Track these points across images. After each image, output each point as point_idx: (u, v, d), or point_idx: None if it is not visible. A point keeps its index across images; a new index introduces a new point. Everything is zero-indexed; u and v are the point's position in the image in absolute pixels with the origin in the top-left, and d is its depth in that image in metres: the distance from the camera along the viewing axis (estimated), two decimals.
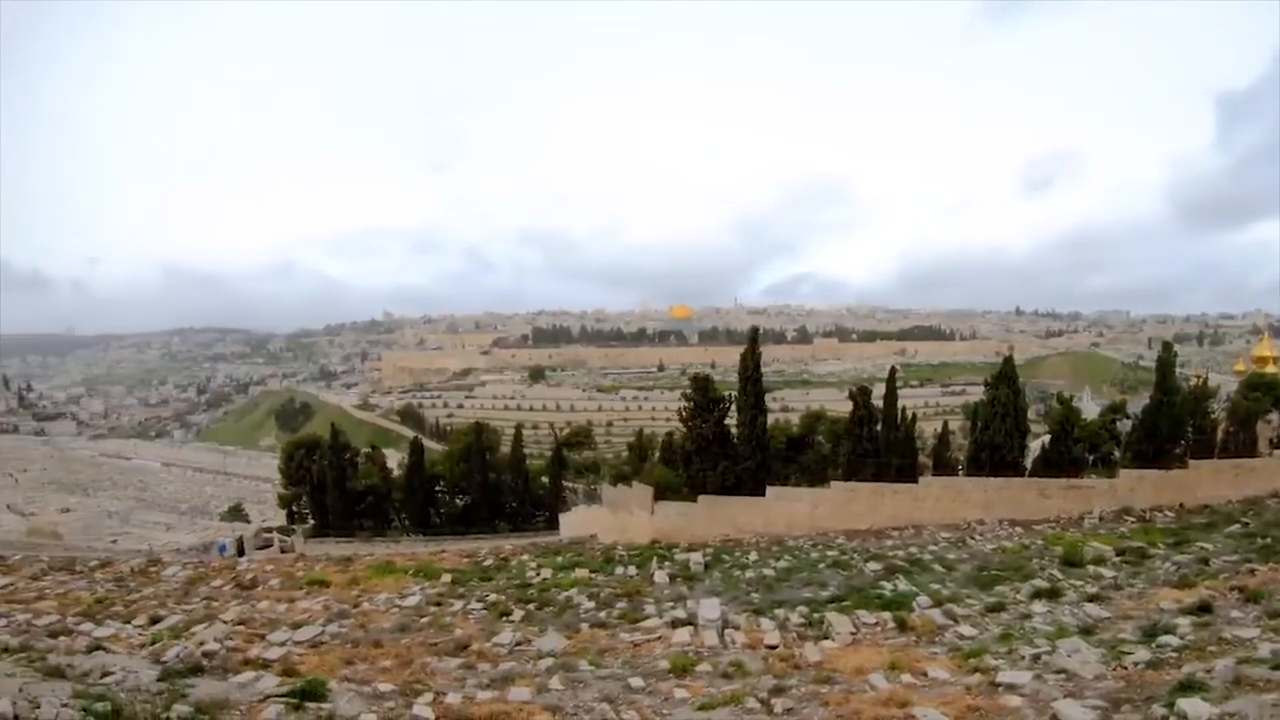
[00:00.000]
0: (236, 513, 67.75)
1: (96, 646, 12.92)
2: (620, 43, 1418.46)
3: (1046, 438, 38.58)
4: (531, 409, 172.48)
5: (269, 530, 51.39)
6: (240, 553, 40.56)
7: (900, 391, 41.16)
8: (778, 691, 10.47)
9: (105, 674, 10.50)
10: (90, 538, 48.40)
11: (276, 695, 9.79)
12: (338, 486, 49.58)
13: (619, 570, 23.31)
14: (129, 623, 16.27)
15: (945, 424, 48.22)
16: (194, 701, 9.14)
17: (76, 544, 41.04)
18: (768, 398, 37.97)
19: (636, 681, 11.51)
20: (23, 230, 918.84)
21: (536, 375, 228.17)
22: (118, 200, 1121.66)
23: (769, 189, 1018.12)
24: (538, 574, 23.14)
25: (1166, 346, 37.16)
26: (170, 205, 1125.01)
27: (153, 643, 13.98)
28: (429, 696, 10.51)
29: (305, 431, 76.06)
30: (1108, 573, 18.27)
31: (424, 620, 17.08)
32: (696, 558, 23.70)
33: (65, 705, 7.81)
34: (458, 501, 51.35)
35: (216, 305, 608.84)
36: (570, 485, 54.56)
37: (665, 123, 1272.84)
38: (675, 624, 15.59)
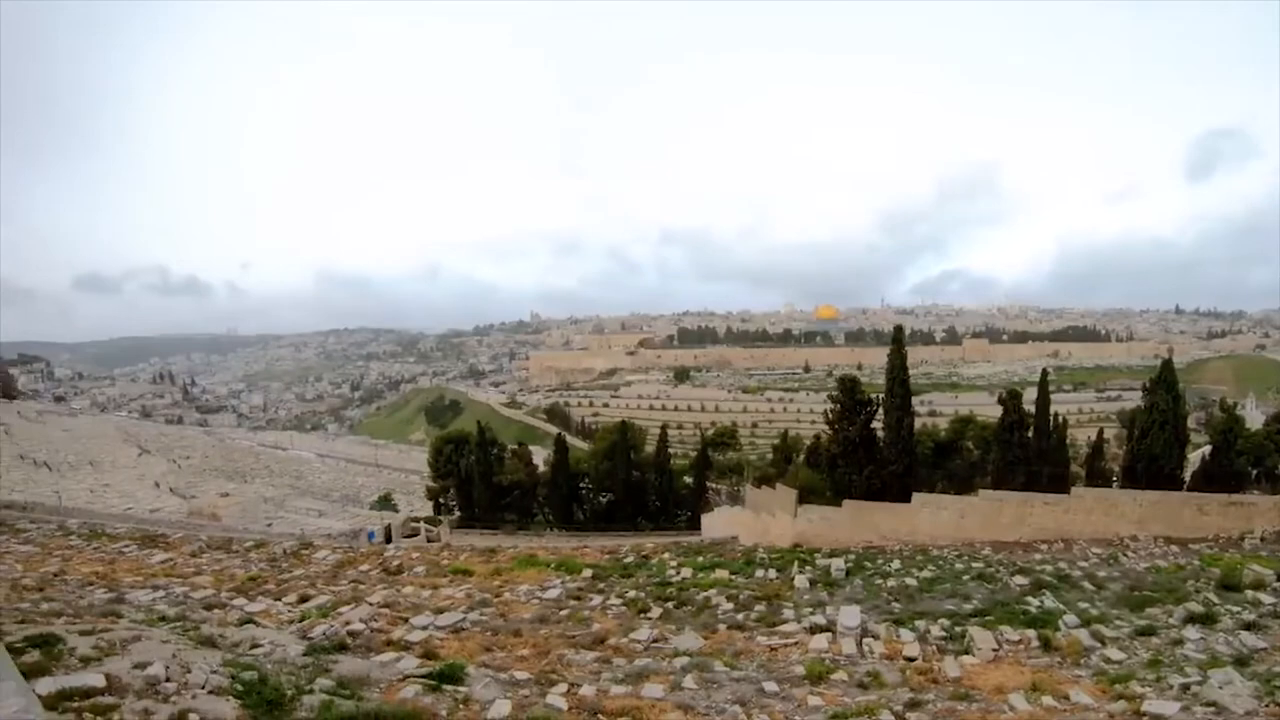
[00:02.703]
0: (386, 502, 70.40)
1: (247, 620, 13.76)
2: (761, 42, 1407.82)
3: (1207, 449, 36.43)
4: (676, 409, 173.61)
5: (416, 520, 53.51)
6: (388, 540, 42.38)
7: (1052, 396, 39.73)
8: (913, 706, 10.40)
9: (254, 646, 11.20)
10: (247, 521, 51.10)
11: (416, 676, 10.20)
12: (484, 480, 51.34)
13: (759, 573, 23.16)
14: (279, 600, 17.19)
15: (1100, 431, 46.09)
16: (336, 676, 9.64)
17: (233, 526, 43.48)
18: (915, 400, 37.19)
19: (771, 686, 11.51)
20: (179, 238, 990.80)
21: (681, 376, 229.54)
22: (268, 207, 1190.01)
23: (916, 182, 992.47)
24: (678, 573, 23.24)
25: None
26: (318, 211, 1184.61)
27: (301, 620, 14.76)
28: (563, 687, 10.73)
29: (454, 427, 78.46)
30: (1267, 599, 17.14)
31: (563, 613, 17.38)
32: (838, 563, 23.42)
33: (215, 672, 8.35)
34: (601, 499, 52.25)
35: (368, 306, 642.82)
36: (714, 486, 54.76)
37: (808, 120, 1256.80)
38: (813, 630, 15.48)
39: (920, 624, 15.84)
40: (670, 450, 55.95)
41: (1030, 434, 36.35)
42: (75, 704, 6.65)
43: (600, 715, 9.67)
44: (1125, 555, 24.58)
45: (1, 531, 26.70)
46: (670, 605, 18.66)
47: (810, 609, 17.72)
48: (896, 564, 24.03)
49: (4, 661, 5.99)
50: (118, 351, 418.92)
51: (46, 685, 6.75)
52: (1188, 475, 33.92)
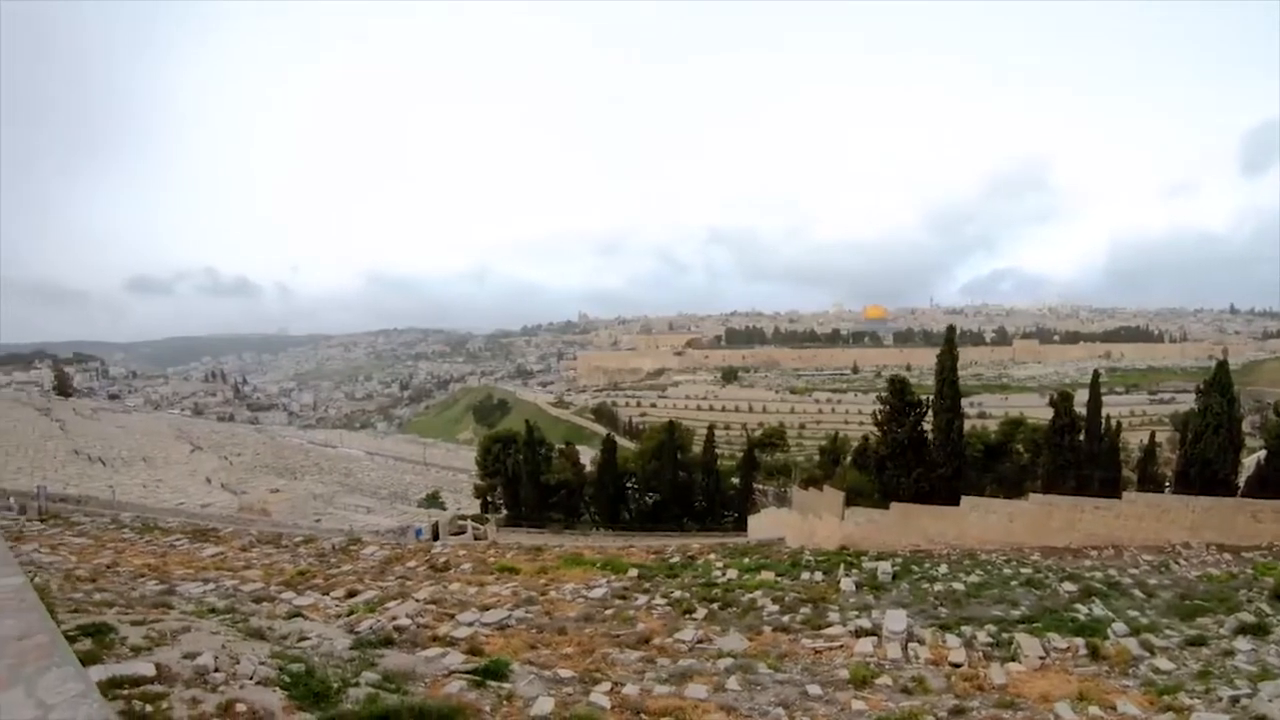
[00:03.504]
0: (433, 500, 70.80)
1: (296, 614, 13.80)
2: (804, 41, 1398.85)
3: (1262, 453, 35.37)
4: (724, 409, 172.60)
5: (463, 518, 53.76)
6: (435, 537, 42.65)
7: (1104, 398, 38.91)
8: (958, 713, 10.27)
9: (302, 639, 11.33)
10: (296, 516, 51.30)
11: (461, 671, 10.23)
12: (531, 479, 51.72)
13: (805, 575, 22.93)
14: (327, 594, 17.22)
15: (1153, 435, 45.02)
16: (382, 670, 9.72)
17: (283, 521, 43.59)
18: (964, 402, 36.64)
19: (814, 689, 11.38)
20: (229, 241, 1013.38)
21: (729, 376, 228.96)
22: (315, 210, 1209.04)
23: (965, 181, 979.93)
24: (723, 574, 23.11)
25: None
26: (366, 213, 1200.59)
27: (348, 614, 14.82)
28: (607, 686, 10.67)
29: (502, 427, 79.20)
30: None
31: (608, 612, 17.31)
32: (885, 567, 23.19)
33: (263, 663, 8.49)
34: (648, 499, 52.36)
35: (417, 307, 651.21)
36: (760, 487, 54.64)
37: (854, 119, 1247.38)
38: (858, 633, 15.29)
39: (967, 629, 15.62)
40: (717, 451, 55.93)
41: (1081, 437, 35.72)
42: (126, 691, 6.80)
43: (643, 715, 9.62)
44: (1176, 563, 24.12)
45: (56, 524, 27.29)
46: (715, 606, 18.52)
47: (856, 612, 17.48)
48: (944, 568, 23.77)
49: (62, 648, 6.15)
50: (170, 351, 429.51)
51: (98, 673, 6.88)
52: (1242, 481, 32.97)
